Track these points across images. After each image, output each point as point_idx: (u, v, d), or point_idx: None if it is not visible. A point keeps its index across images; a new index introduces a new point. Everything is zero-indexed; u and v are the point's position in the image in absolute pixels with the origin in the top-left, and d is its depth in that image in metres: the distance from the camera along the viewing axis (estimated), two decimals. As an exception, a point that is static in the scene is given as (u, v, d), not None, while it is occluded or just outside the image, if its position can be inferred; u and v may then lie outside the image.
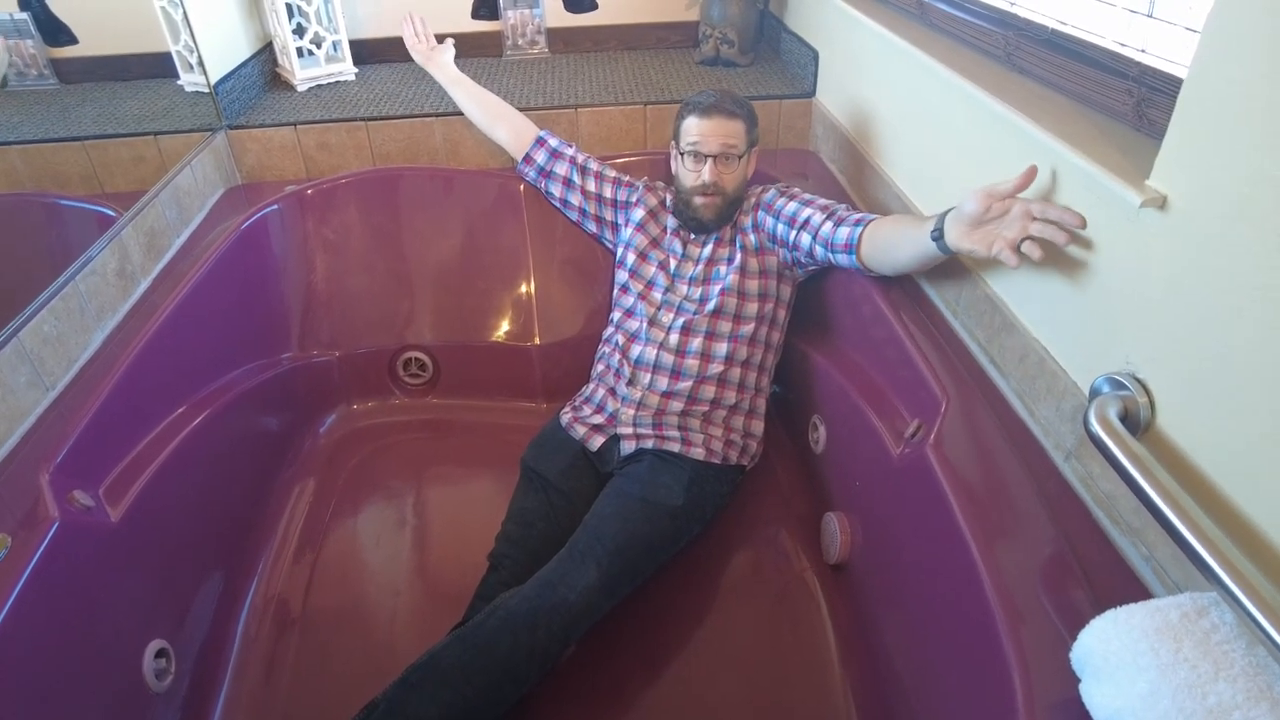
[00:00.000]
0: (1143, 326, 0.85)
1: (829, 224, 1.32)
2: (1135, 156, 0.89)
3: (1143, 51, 0.90)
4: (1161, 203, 0.80)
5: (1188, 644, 0.66)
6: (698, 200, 1.43)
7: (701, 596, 1.35)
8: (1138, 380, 0.86)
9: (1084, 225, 0.90)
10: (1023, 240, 0.96)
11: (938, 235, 1.09)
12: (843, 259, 1.31)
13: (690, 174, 1.43)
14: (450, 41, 1.73)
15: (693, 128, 1.41)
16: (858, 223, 1.29)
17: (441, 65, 1.69)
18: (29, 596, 0.89)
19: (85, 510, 1.03)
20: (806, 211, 1.37)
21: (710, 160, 1.40)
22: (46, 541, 0.94)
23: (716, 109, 1.40)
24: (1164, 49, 0.87)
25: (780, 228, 1.41)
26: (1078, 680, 0.73)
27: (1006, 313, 1.10)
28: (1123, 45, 1.00)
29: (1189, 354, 0.79)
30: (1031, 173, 0.96)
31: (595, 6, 2.17)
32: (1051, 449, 1.02)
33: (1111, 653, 0.69)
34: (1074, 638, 0.79)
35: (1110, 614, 0.72)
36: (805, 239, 1.36)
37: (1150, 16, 0.88)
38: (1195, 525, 0.71)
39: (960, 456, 1.02)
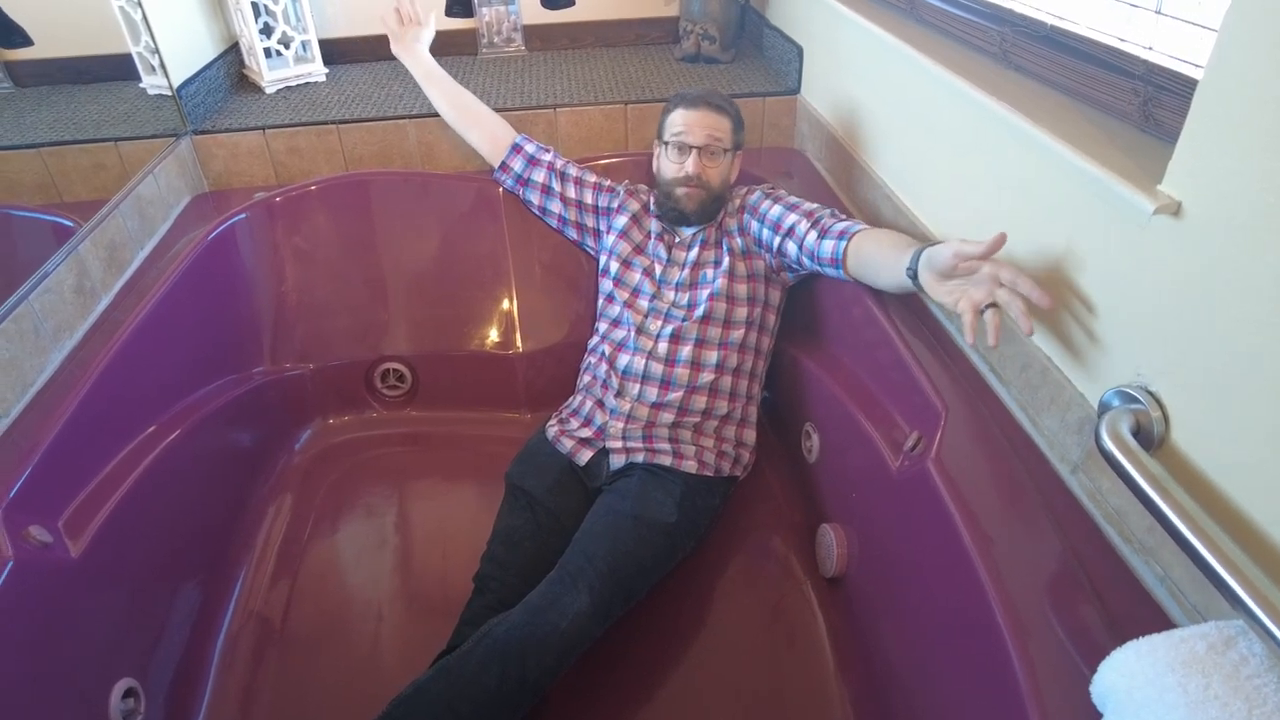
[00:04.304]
0: (1154, 338, 0.82)
1: (813, 234, 1.28)
2: (1143, 159, 0.85)
3: (1149, 49, 0.87)
4: (1175, 209, 0.76)
5: (1217, 679, 0.63)
6: (679, 190, 1.39)
7: (696, 610, 1.31)
8: (1150, 393, 0.82)
9: (1050, 306, 0.90)
10: (987, 306, 0.95)
11: (913, 274, 1.07)
12: (830, 272, 1.28)
13: (673, 165, 1.39)
14: (433, 19, 1.66)
15: (678, 119, 1.38)
16: (842, 235, 1.25)
17: (417, 56, 1.63)
18: (-19, 645, 0.83)
19: (42, 547, 0.97)
20: (791, 218, 1.33)
21: (695, 152, 1.36)
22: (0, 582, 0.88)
23: (704, 101, 1.37)
24: (1173, 46, 0.84)
25: (765, 232, 1.37)
26: (1098, 715, 0.70)
27: (1007, 321, 1.06)
28: (1122, 40, 0.96)
29: (1206, 366, 0.76)
30: (1000, 239, 0.93)
31: (572, 3, 2.11)
32: (1057, 461, 0.99)
33: (1136, 688, 0.65)
34: (1089, 662, 0.76)
35: (1132, 646, 0.68)
36: (791, 248, 1.32)
37: (1159, 13, 0.84)
38: (1218, 549, 0.68)
39: (963, 471, 0.98)
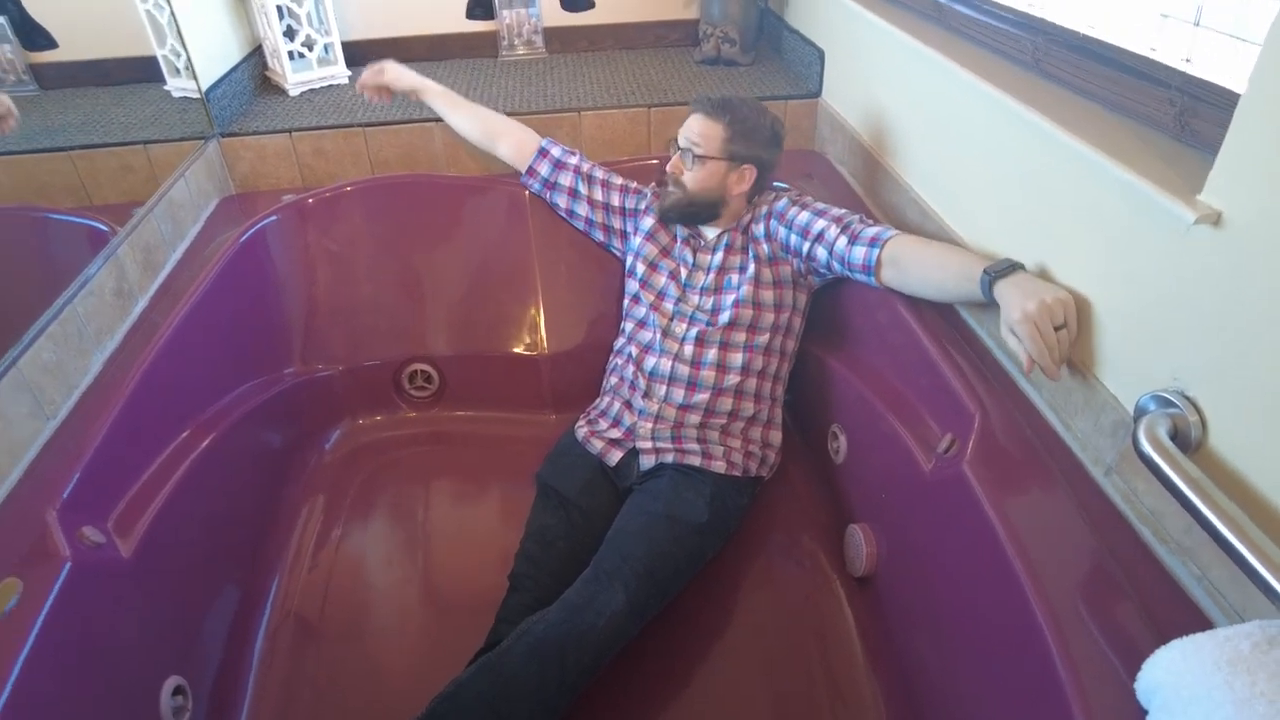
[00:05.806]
0: (1192, 344, 0.84)
1: (844, 239, 1.28)
2: (1180, 169, 0.87)
3: (1187, 61, 0.88)
4: (1216, 219, 0.78)
5: (1262, 677, 0.64)
6: (661, 188, 1.44)
7: (725, 607, 1.33)
8: (1187, 398, 0.84)
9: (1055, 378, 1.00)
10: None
11: (988, 284, 1.08)
12: (860, 278, 1.29)
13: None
14: (390, 63, 1.63)
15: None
16: (873, 242, 1.25)
17: (424, 88, 1.62)
18: (44, 645, 0.85)
19: (96, 547, 0.99)
20: (820, 223, 1.33)
21: (677, 152, 1.40)
22: (59, 583, 0.90)
23: (700, 105, 1.39)
24: (1210, 58, 0.85)
25: (793, 238, 1.38)
26: (1143, 712, 0.72)
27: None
28: (1152, 50, 0.98)
29: (1245, 372, 0.77)
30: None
31: (592, 5, 2.13)
32: (1090, 464, 1.01)
33: (1184, 686, 0.67)
34: (1130, 661, 0.77)
35: (1178, 644, 0.70)
36: (821, 253, 1.33)
37: (1197, 25, 0.86)
38: (1260, 550, 0.70)
39: (999, 472, 1.00)
